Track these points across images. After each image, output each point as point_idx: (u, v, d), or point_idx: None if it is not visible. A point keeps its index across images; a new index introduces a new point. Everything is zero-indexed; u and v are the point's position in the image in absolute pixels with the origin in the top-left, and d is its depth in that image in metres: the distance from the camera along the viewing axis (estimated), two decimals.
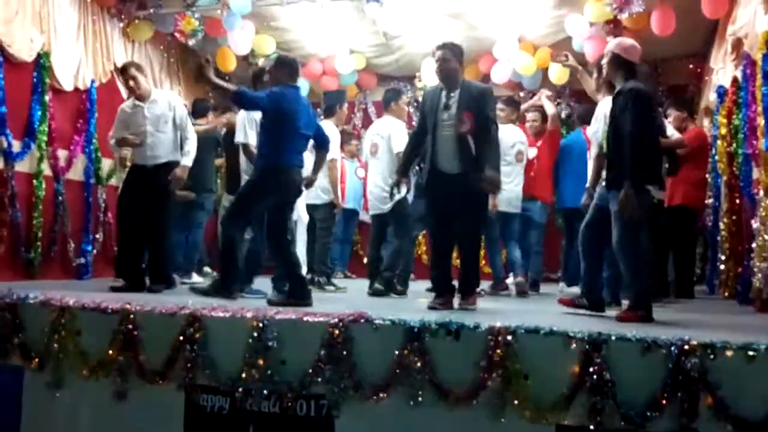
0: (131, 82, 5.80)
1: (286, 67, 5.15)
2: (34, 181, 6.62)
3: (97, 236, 7.43)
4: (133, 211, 5.73)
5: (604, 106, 5.03)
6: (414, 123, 6.32)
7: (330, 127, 6.61)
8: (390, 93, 6.54)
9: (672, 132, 5.75)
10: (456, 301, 4.74)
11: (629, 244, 4.22)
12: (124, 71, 5.96)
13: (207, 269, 7.86)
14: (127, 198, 5.86)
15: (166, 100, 5.93)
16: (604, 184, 4.54)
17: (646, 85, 4.41)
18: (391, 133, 6.11)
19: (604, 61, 4.50)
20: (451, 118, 4.67)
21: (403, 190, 5.49)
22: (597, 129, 5.12)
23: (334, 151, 6.56)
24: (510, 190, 6.37)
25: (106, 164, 7.57)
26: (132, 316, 4.00)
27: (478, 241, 4.97)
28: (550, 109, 6.95)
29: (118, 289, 5.49)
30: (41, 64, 6.62)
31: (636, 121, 4.14)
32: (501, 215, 6.41)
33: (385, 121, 6.35)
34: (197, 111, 7.33)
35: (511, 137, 6.51)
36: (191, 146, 5.89)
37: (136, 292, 5.39)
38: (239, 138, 5.71)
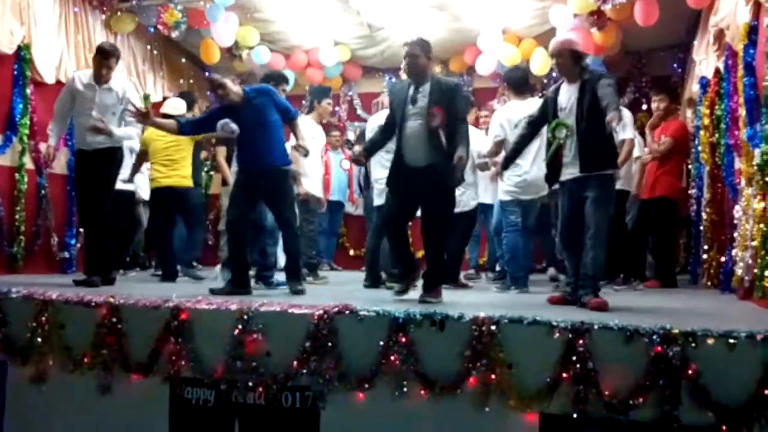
0: (104, 70, 5.48)
1: None
2: (17, 175, 6.60)
3: (81, 230, 7.38)
4: (86, 199, 5.60)
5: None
6: None
7: (308, 123, 6.65)
8: (515, 71, 6.32)
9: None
10: (419, 295, 4.54)
11: (607, 231, 4.31)
12: (107, 56, 5.48)
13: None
14: (80, 185, 5.62)
15: (121, 92, 5.60)
16: (570, 177, 4.50)
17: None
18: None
19: (558, 60, 4.56)
20: (419, 111, 4.61)
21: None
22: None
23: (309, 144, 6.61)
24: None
25: None
26: (116, 309, 3.99)
27: (445, 235, 4.80)
28: None
29: (80, 282, 5.30)
30: (22, 56, 6.57)
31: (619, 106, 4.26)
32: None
33: (535, 103, 6.17)
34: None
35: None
36: (129, 130, 5.65)
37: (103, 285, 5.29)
38: None
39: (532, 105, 5.44)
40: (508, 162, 5.06)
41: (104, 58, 5.46)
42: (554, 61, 4.66)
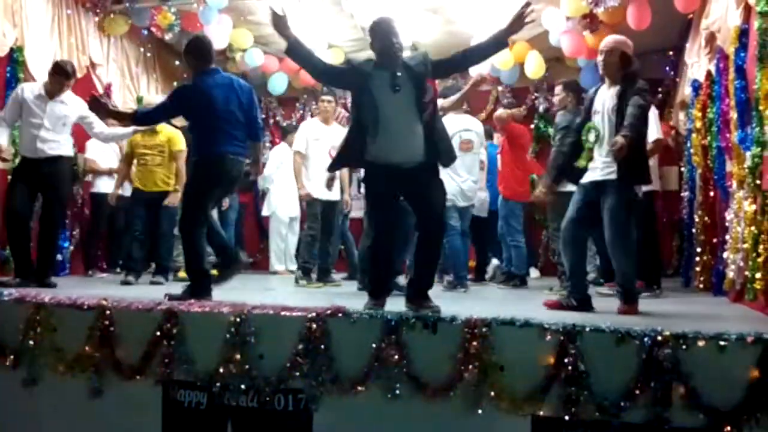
0: (66, 88, 5.78)
1: (196, 50, 4.79)
2: (9, 178, 6.54)
3: (74, 232, 7.37)
4: (23, 205, 5.72)
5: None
6: None
7: (314, 124, 6.77)
8: (450, 90, 6.43)
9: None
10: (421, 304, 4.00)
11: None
12: (68, 76, 5.78)
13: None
14: (19, 191, 5.71)
15: (73, 106, 5.91)
16: (591, 179, 4.47)
17: None
18: (480, 130, 6.44)
19: (607, 57, 4.48)
20: (406, 103, 4.07)
21: None
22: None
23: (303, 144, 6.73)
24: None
25: (82, 159, 7.49)
26: (108, 312, 3.98)
27: (443, 237, 4.38)
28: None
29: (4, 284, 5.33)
30: (14, 58, 6.54)
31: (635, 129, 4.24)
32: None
33: (469, 118, 6.65)
34: None
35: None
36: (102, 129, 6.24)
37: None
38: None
39: (465, 119, 6.39)
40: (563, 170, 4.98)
41: (66, 78, 5.77)
42: (602, 57, 4.52)
